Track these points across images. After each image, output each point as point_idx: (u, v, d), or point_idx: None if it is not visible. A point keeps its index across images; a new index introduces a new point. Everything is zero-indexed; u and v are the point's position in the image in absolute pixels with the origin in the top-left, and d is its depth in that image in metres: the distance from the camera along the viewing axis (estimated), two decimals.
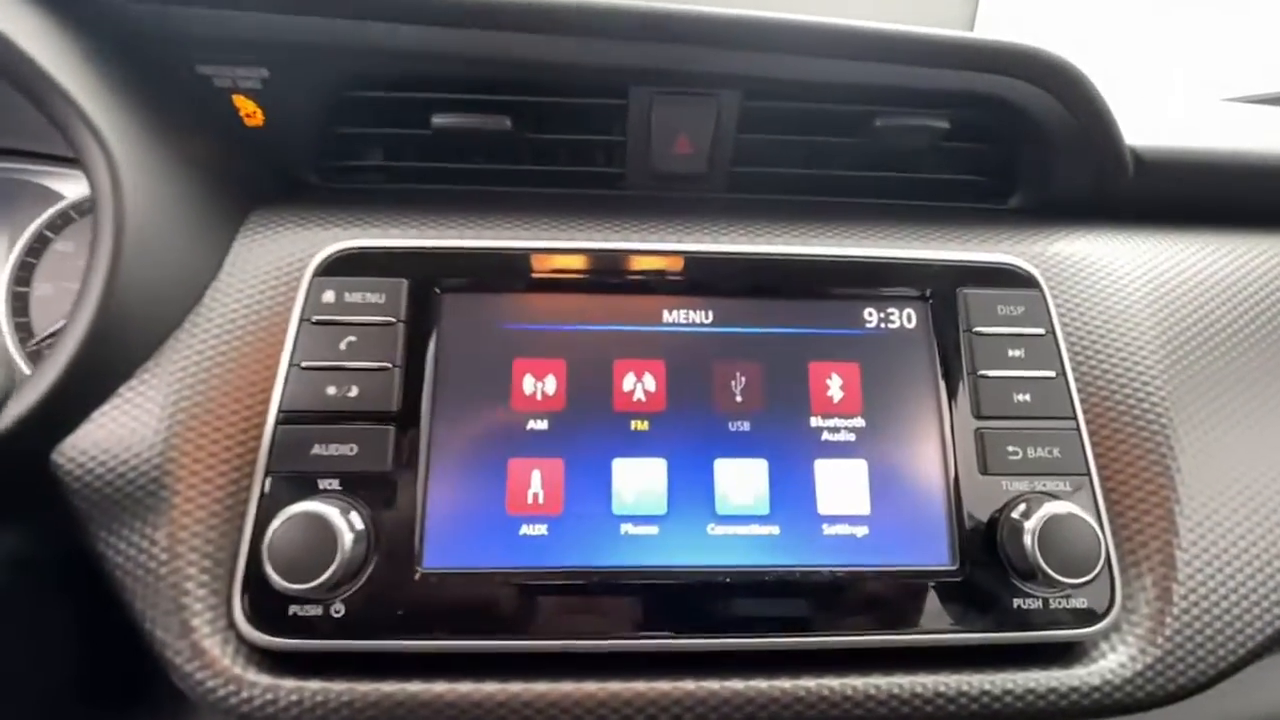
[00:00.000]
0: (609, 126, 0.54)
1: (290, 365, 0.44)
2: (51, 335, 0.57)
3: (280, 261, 0.48)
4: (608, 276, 0.48)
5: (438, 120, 0.51)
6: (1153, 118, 0.62)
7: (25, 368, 0.56)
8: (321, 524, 0.38)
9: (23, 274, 0.58)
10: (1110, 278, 0.53)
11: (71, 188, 0.60)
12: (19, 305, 0.57)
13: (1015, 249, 0.53)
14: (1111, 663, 0.43)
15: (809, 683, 0.41)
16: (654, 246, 0.50)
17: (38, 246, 0.59)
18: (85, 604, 0.51)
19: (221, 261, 0.49)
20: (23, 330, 0.57)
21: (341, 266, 0.46)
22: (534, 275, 0.47)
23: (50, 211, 0.59)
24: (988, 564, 0.43)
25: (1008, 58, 0.50)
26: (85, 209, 0.59)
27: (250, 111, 0.51)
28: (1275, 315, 0.55)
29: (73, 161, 0.56)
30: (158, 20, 0.44)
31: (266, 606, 0.40)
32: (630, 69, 0.50)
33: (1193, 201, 0.59)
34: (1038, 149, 0.56)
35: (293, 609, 0.40)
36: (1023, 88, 0.52)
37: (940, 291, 0.49)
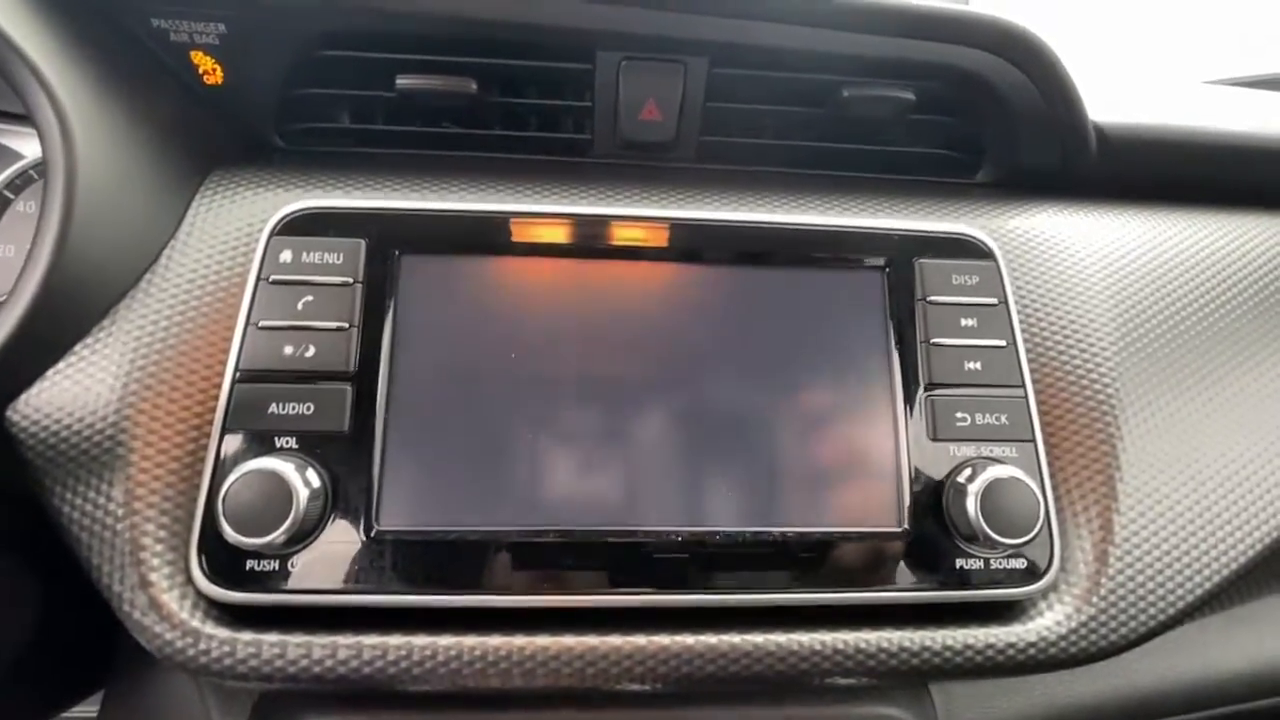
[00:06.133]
0: (576, 92, 0.54)
1: (247, 324, 0.44)
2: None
3: (239, 221, 0.48)
4: (570, 242, 0.48)
5: (402, 81, 0.50)
6: (1125, 97, 0.63)
7: None
8: (277, 480, 0.39)
9: None
10: (1067, 252, 0.54)
11: (32, 147, 0.59)
12: None
13: (976, 222, 0.54)
14: (1049, 620, 0.45)
15: (756, 638, 0.43)
16: (617, 212, 0.50)
17: None
18: (46, 568, 0.51)
19: (179, 221, 0.48)
20: None
21: (300, 226, 0.46)
22: (495, 239, 0.47)
23: (9, 171, 0.58)
24: (934, 526, 0.45)
25: (971, 29, 0.50)
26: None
27: (209, 69, 0.50)
28: (1227, 292, 0.57)
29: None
30: None
31: (223, 561, 0.40)
32: (597, 32, 0.50)
33: (1156, 179, 0.60)
34: (1003, 123, 0.56)
35: (249, 564, 0.40)
36: (987, 59, 0.52)
37: (897, 261, 0.49)
